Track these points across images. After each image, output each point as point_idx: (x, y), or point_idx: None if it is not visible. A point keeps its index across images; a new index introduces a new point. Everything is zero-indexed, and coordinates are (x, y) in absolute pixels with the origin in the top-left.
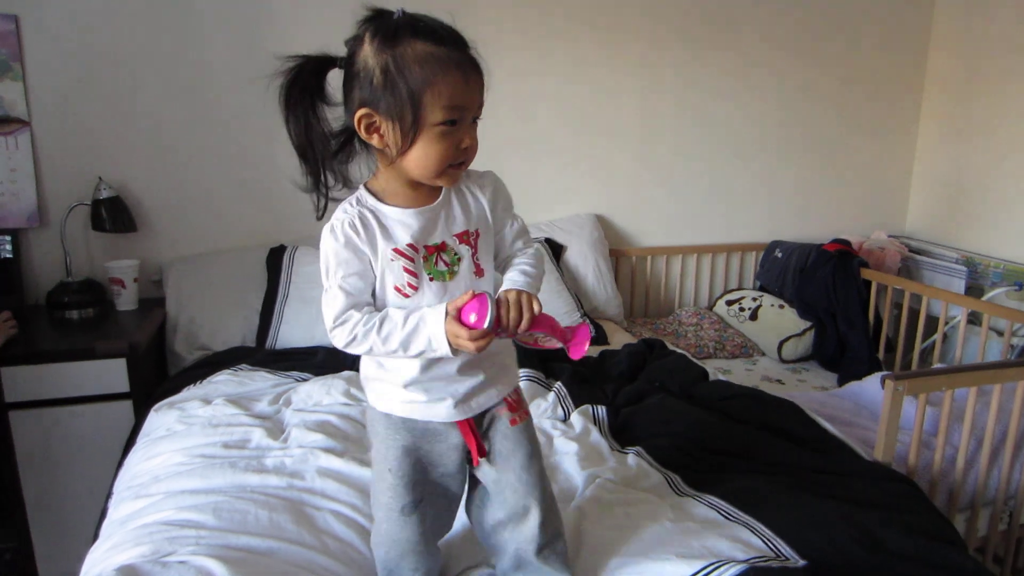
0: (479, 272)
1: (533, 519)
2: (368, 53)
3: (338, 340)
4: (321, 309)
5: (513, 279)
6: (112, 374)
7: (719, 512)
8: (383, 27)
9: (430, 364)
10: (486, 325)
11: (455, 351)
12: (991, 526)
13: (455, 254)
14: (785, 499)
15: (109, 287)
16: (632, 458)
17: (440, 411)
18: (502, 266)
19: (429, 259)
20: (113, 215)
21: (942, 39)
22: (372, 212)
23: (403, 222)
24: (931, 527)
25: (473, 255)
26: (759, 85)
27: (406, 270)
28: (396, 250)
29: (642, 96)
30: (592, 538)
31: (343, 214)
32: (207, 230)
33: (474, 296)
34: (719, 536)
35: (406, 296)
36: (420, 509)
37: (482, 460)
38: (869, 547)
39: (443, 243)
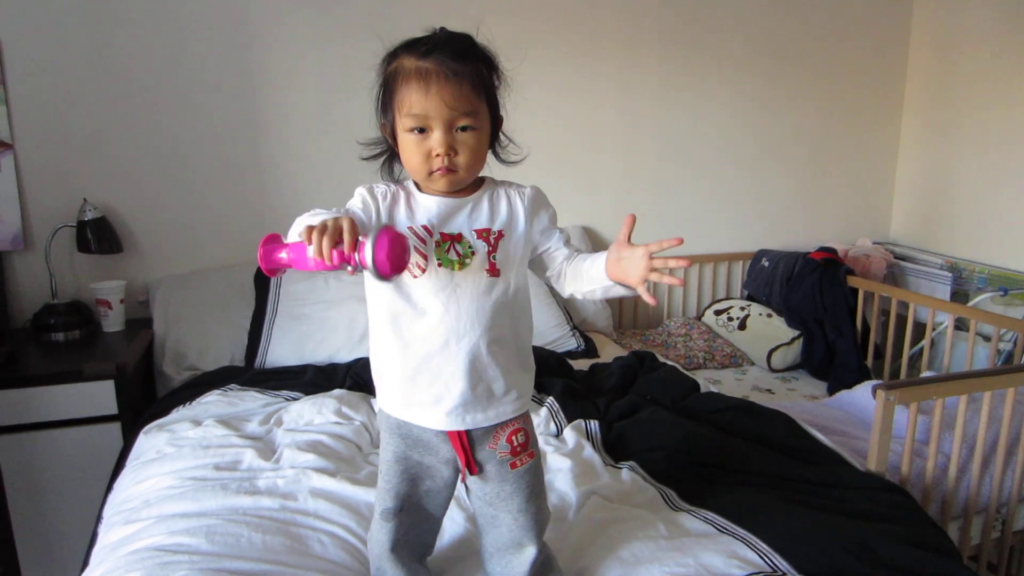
0: (493, 271)
1: (528, 554)
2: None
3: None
4: (311, 328)
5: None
6: (100, 396)
7: (714, 526)
8: (392, 49)
9: (427, 362)
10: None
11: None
12: (984, 534)
13: (470, 247)
14: (780, 512)
15: (96, 309)
16: (626, 473)
17: (432, 417)
18: (557, 275)
19: (442, 246)
20: (99, 236)
21: (921, 47)
22: (405, 191)
23: (426, 206)
24: (925, 537)
25: (489, 253)
26: (739, 96)
27: (416, 250)
28: (410, 228)
29: (624, 106)
30: (586, 559)
31: (383, 183)
32: (193, 249)
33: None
34: (715, 552)
35: (414, 276)
36: (398, 517)
37: (478, 498)
38: (865, 559)
39: (459, 234)
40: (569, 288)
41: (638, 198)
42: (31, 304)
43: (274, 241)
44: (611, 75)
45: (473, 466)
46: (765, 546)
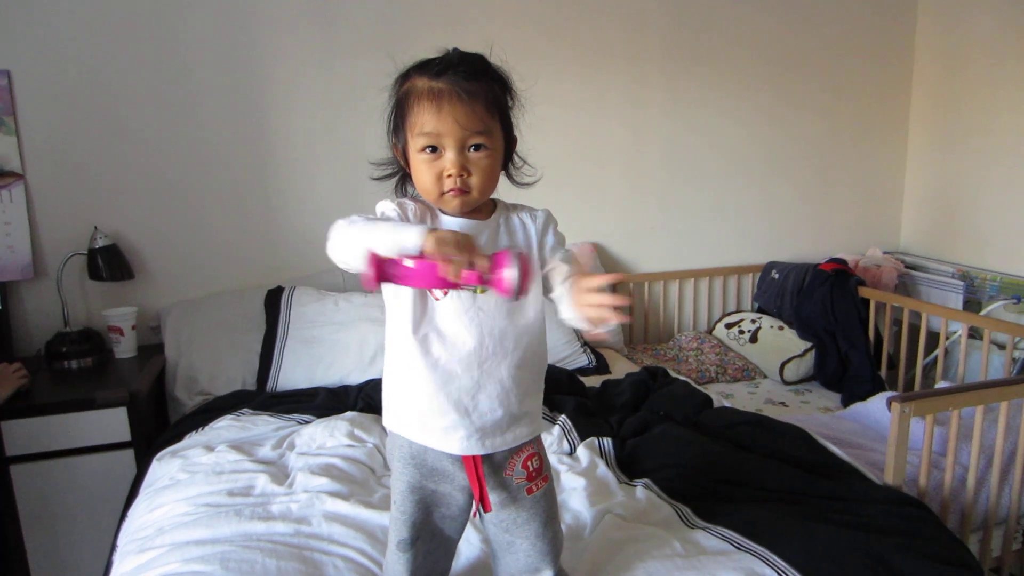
0: None
1: None
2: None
3: (331, 233)
4: (322, 350)
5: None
6: (113, 423)
7: (730, 543)
8: (405, 69)
9: (447, 386)
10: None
11: (423, 248)
12: (1005, 545)
13: None
14: (797, 528)
15: (107, 335)
16: (640, 491)
17: (450, 442)
18: (559, 297)
19: None
20: (109, 263)
21: (926, 57)
22: (431, 211)
23: (450, 227)
24: (945, 551)
25: None
26: (745, 108)
27: None
28: None
29: (631, 120)
30: None
31: (409, 199)
32: (204, 274)
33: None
34: (731, 569)
35: (436, 299)
36: (415, 547)
37: (494, 524)
38: (884, 575)
39: None
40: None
41: (646, 212)
42: (43, 332)
43: (380, 258)
44: (618, 89)
45: (487, 503)
46: (782, 563)
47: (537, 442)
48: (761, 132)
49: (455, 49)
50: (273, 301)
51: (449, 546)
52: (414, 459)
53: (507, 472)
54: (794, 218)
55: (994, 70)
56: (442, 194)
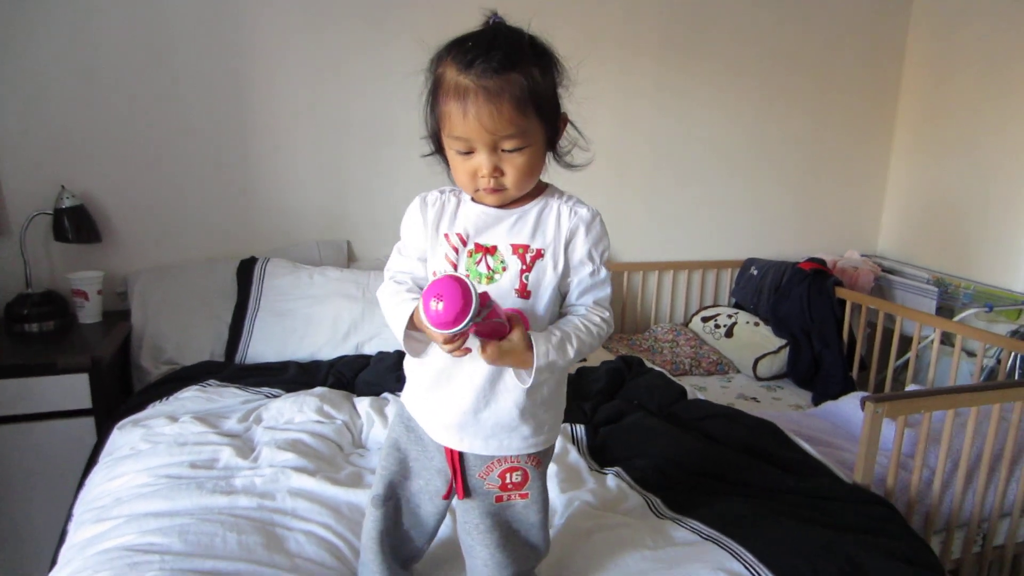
0: (523, 292)
1: None
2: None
3: (379, 294)
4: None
5: (558, 324)
6: (74, 390)
7: (700, 536)
8: (442, 47)
9: (439, 375)
10: (457, 328)
11: (413, 350)
12: (965, 548)
13: (502, 262)
14: (767, 523)
15: (71, 299)
16: (611, 479)
17: (432, 427)
18: (563, 314)
19: (473, 256)
20: (76, 225)
21: (916, 63)
22: (456, 198)
23: (468, 214)
24: (910, 551)
25: (522, 272)
26: (735, 103)
27: (447, 258)
28: (445, 235)
29: (619, 110)
30: (571, 569)
31: (433, 191)
32: (174, 241)
33: (447, 279)
34: (700, 562)
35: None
36: (385, 507)
37: (460, 525)
38: (851, 572)
39: (494, 247)
40: None
41: (630, 203)
42: (3, 294)
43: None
44: (608, 78)
45: (461, 490)
46: (751, 556)
47: (531, 459)
48: (747, 129)
49: (495, 20)
50: (246, 272)
51: (423, 528)
52: (407, 420)
53: (481, 474)
54: (775, 216)
55: (983, 80)
56: (476, 190)
